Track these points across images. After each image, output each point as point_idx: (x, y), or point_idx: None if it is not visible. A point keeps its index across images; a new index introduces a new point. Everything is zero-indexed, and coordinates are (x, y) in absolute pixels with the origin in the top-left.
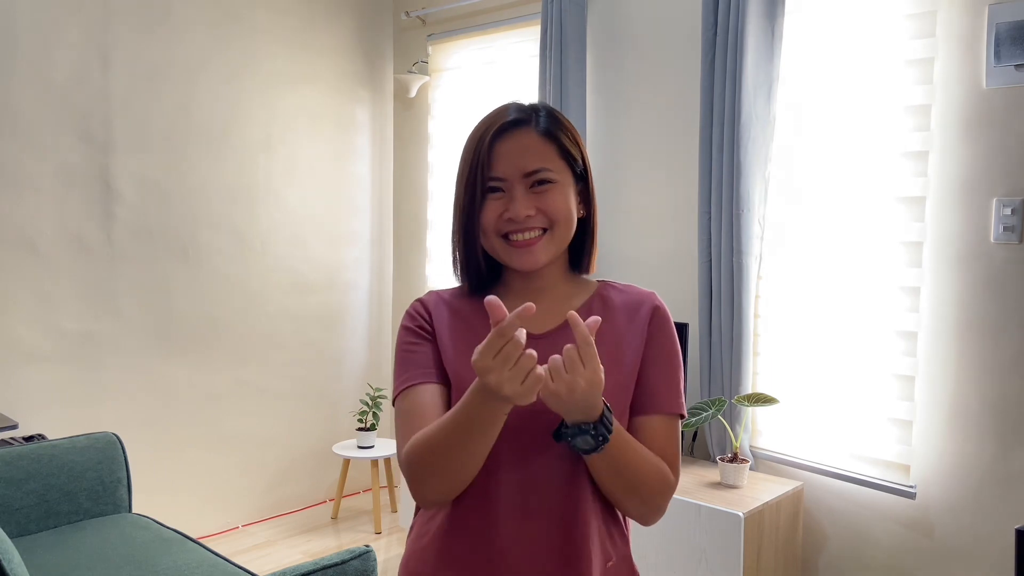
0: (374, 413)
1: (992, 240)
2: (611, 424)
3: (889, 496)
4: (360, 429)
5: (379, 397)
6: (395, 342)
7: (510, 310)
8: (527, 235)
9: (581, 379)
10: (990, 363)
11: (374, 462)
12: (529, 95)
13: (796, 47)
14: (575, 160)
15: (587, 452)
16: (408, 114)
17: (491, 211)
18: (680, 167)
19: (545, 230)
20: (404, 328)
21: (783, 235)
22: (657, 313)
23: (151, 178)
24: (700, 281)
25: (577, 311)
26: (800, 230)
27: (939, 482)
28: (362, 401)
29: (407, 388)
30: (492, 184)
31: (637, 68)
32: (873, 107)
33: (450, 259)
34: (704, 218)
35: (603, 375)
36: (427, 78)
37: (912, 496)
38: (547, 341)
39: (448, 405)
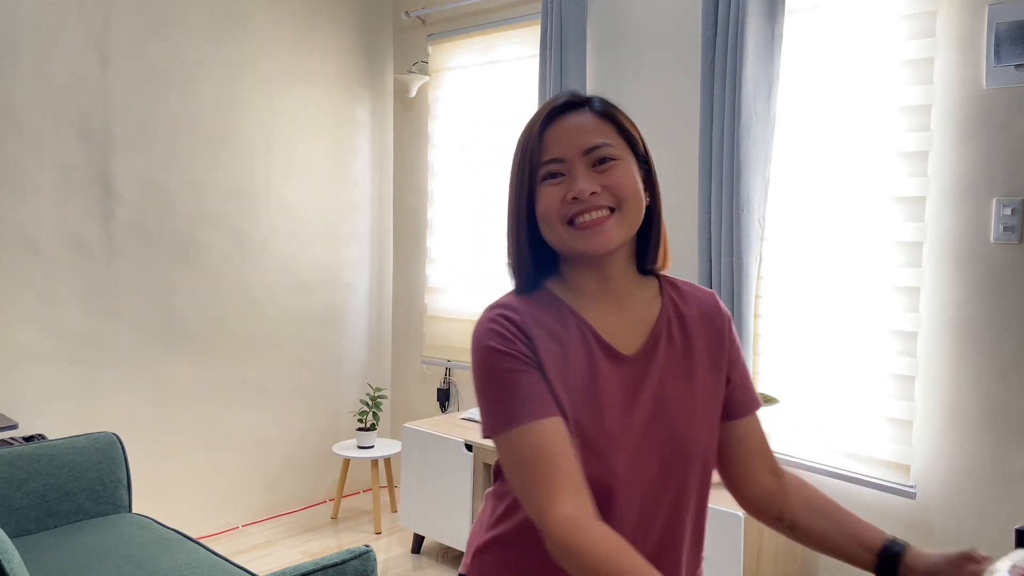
0: (374, 413)
1: (992, 240)
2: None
3: (889, 496)
4: (360, 429)
5: (379, 397)
6: (479, 364)
7: (586, 314)
8: (595, 215)
9: None
10: (990, 363)
11: (374, 462)
12: (529, 95)
13: (796, 47)
14: (636, 141)
15: None
16: (408, 114)
17: (551, 196)
18: (680, 167)
19: (612, 210)
20: (496, 351)
21: (783, 235)
22: (731, 322)
23: (151, 178)
24: (700, 281)
25: (656, 324)
26: (800, 230)
27: (939, 482)
28: (362, 401)
29: (524, 425)
30: (550, 169)
31: (637, 68)
32: (873, 107)
33: (507, 259)
34: (704, 218)
35: None
36: (427, 78)
37: (912, 496)
38: (639, 364)
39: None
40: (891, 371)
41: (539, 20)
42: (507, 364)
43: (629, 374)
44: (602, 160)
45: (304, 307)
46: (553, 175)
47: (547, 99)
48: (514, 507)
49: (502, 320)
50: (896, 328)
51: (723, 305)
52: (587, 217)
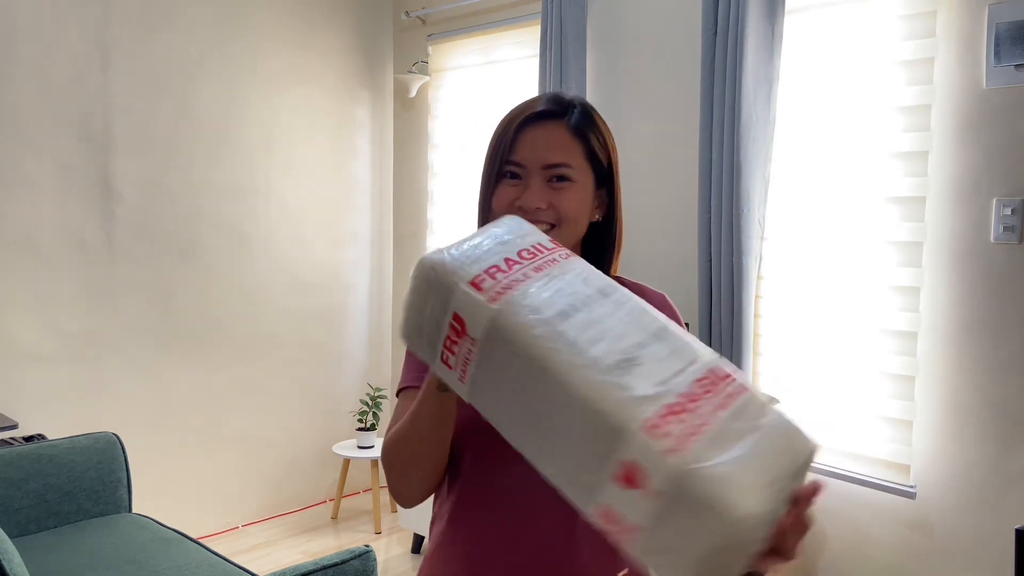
0: (374, 413)
1: (992, 240)
2: None
3: (889, 496)
4: (360, 429)
5: (379, 397)
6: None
7: None
8: None
9: None
10: (990, 363)
11: (374, 462)
12: (529, 95)
13: (796, 47)
14: (600, 164)
15: None
16: (408, 114)
17: (504, 196)
18: (680, 167)
19: (552, 226)
20: None
21: (783, 235)
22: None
23: (151, 178)
24: (700, 281)
25: None
26: (800, 230)
27: (939, 482)
28: (362, 401)
29: (404, 389)
30: (511, 169)
31: (637, 68)
32: (873, 107)
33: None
34: (704, 218)
35: None
36: (427, 78)
37: (912, 496)
38: None
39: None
40: (891, 371)
41: (539, 20)
42: None
43: None
44: (559, 178)
45: (304, 307)
46: (513, 175)
47: None
48: (448, 490)
49: None
50: (896, 328)
51: (670, 305)
52: None
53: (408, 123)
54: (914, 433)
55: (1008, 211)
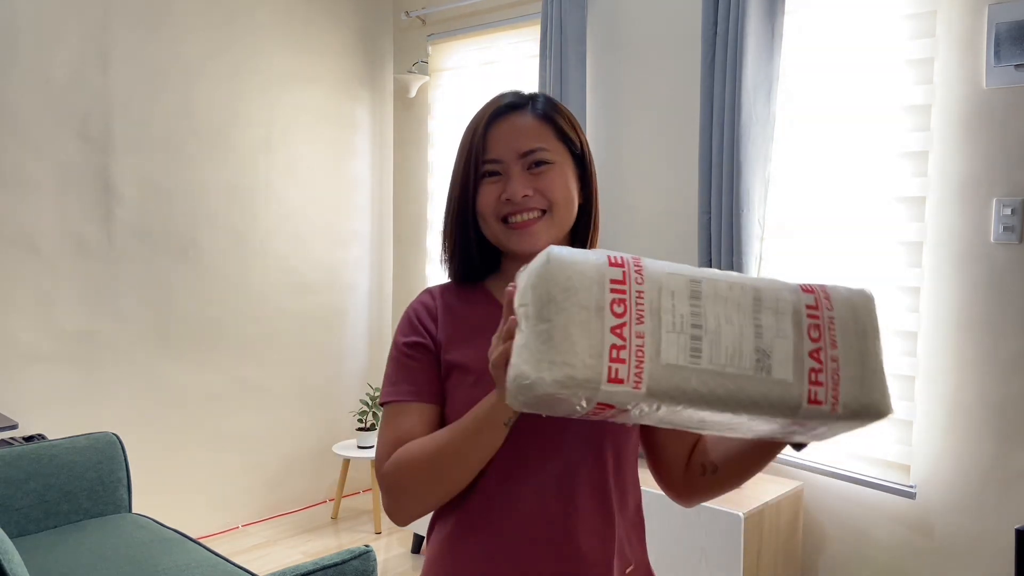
0: (374, 413)
1: (992, 240)
2: None
3: (889, 496)
4: (360, 429)
5: (379, 397)
6: (393, 338)
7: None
8: (526, 216)
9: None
10: (990, 363)
11: (374, 462)
12: None
13: (796, 47)
14: (573, 143)
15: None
16: (408, 114)
17: (489, 194)
18: (680, 167)
19: (544, 212)
20: (402, 331)
21: (783, 235)
22: None
23: (151, 178)
24: None
25: None
26: (800, 230)
27: (939, 482)
28: (362, 401)
29: (397, 402)
30: (489, 168)
31: (637, 68)
32: (873, 107)
33: (440, 249)
34: (704, 218)
35: None
36: (427, 78)
37: (912, 496)
38: None
39: (439, 424)
40: (891, 371)
41: (539, 20)
42: (405, 346)
43: None
44: (537, 163)
45: (304, 307)
46: (492, 173)
47: None
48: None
49: (417, 306)
50: (896, 328)
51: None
52: (519, 218)
53: (408, 123)
54: (914, 433)
55: (1008, 211)
